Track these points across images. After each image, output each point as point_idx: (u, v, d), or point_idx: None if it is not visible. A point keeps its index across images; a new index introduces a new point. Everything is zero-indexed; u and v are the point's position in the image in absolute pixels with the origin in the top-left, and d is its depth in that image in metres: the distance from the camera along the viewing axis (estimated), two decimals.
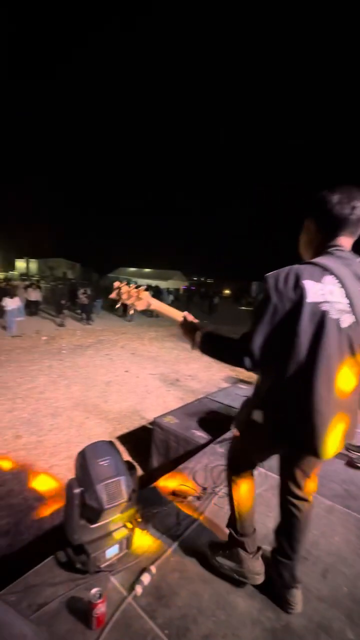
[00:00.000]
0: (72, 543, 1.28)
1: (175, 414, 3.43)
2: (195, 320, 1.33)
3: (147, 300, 1.32)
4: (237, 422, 1.26)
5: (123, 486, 1.34)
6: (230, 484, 1.33)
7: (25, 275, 34.06)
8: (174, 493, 1.85)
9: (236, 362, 1.06)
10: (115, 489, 1.31)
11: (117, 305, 1.40)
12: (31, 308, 12.19)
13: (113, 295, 1.31)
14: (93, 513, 1.26)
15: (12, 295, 9.55)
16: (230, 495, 1.33)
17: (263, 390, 1.11)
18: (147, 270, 49.23)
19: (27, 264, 47.37)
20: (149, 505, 1.75)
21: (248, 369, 1.04)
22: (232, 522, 1.34)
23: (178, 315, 1.34)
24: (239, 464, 1.31)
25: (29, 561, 2.16)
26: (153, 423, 3.38)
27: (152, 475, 3.20)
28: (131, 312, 12.89)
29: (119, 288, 1.31)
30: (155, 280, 34.53)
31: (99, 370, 6.57)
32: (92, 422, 4.31)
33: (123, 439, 3.96)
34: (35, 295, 12.42)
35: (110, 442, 1.52)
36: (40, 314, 12.50)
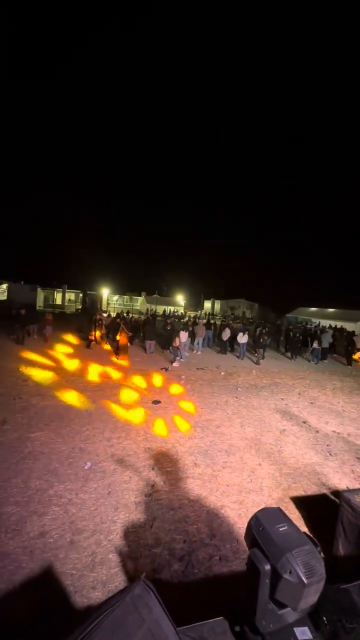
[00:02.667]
0: (259, 629, 1.11)
1: None
2: None
3: None
4: None
5: (317, 557, 1.09)
6: None
7: (211, 314, 39.01)
8: None
9: None
10: (310, 560, 1.06)
11: None
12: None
13: None
14: (290, 592, 1.05)
15: (185, 330, 11.43)
16: None
17: None
18: (330, 310, 44.54)
19: (213, 304, 53.89)
20: (338, 611, 1.38)
21: None
22: None
23: None
24: None
25: (198, 600, 2.18)
26: (340, 497, 2.78)
27: (337, 565, 2.59)
28: None
29: None
30: (340, 322, 30.52)
31: (273, 415, 6.27)
32: (264, 470, 4.07)
33: (298, 502, 3.48)
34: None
35: (281, 510, 1.33)
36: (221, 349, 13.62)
